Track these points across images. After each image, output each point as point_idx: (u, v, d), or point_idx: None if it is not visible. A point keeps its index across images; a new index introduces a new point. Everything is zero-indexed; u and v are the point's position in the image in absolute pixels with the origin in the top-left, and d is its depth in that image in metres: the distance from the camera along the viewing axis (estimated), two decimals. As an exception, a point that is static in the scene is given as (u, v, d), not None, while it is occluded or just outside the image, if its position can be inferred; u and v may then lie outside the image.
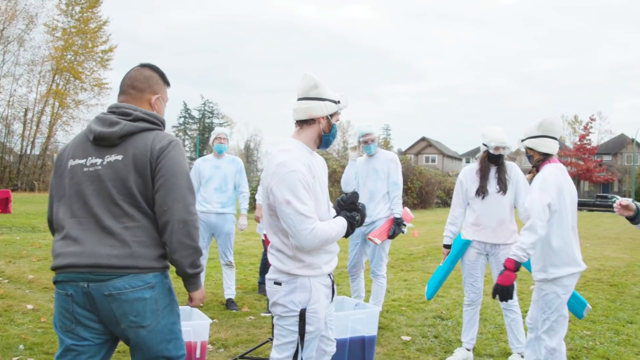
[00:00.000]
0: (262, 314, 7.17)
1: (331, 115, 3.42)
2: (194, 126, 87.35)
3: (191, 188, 2.96)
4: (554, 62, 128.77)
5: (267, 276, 3.40)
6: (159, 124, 3.06)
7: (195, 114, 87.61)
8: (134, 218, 2.90)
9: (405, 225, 6.52)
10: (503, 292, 4.25)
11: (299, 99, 3.41)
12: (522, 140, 4.57)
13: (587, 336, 6.36)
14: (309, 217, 3.13)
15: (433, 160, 75.89)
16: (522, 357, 5.42)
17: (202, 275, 7.50)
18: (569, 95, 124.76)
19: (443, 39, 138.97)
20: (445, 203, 37.59)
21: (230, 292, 7.64)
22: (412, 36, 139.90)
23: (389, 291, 8.61)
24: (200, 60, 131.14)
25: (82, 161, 2.98)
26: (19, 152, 50.30)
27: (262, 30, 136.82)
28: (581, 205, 55.91)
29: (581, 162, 63.59)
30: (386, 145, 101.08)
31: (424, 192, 35.72)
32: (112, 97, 44.48)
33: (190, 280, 3.05)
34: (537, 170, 4.46)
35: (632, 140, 60.59)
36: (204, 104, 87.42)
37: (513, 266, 4.17)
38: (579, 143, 65.44)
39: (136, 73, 3.16)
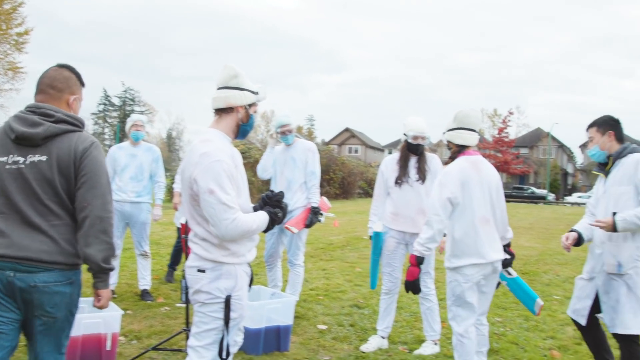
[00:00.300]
0: (177, 305, 7.06)
1: (249, 106, 3.47)
2: (114, 114, 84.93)
3: (110, 187, 3.12)
4: (475, 57, 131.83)
5: (188, 264, 3.39)
6: (79, 125, 3.15)
7: (116, 101, 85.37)
8: (60, 216, 3.05)
9: (322, 214, 6.53)
10: (411, 286, 4.42)
11: (219, 88, 3.45)
12: (444, 133, 4.66)
13: (498, 322, 6.53)
14: (231, 207, 3.17)
15: (356, 151, 76.55)
16: (436, 344, 5.53)
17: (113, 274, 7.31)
18: (489, 89, 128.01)
19: (368, 31, 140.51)
20: (367, 193, 37.92)
21: (145, 283, 7.47)
22: (338, 27, 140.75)
23: (307, 280, 8.62)
24: (121, 46, 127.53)
25: (4, 159, 3.06)
26: None
27: (186, 17, 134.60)
28: (499, 197, 57.49)
29: (500, 155, 65.34)
30: (310, 135, 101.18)
31: (346, 182, 35.87)
32: (27, 82, 42.57)
33: (101, 277, 3.11)
34: (453, 160, 4.57)
35: (548, 134, 62.77)
36: (125, 91, 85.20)
37: (415, 261, 4.37)
38: (497, 136, 67.26)
39: (55, 73, 3.21)
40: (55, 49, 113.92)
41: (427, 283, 5.52)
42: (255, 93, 3.49)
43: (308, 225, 6.38)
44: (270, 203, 3.55)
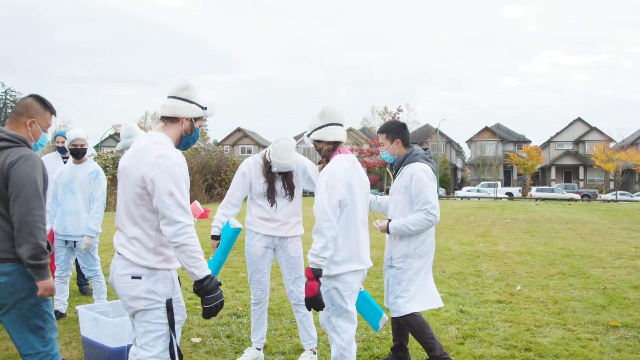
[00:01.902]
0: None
1: (195, 119, 3.55)
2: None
3: (37, 195, 3.50)
4: (365, 55, 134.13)
5: (120, 272, 3.32)
6: (18, 142, 3.59)
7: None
8: None
9: (193, 220, 6.10)
10: (312, 303, 3.94)
11: (168, 97, 3.51)
12: (309, 135, 4.30)
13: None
14: (187, 211, 3.22)
15: (249, 151, 75.91)
16: (315, 353, 5.24)
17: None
18: (379, 87, 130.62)
19: (258, 30, 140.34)
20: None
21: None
22: (226, 26, 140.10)
23: (185, 289, 8.15)
24: None
25: None
26: None
27: (67, 15, 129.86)
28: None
29: (390, 152, 66.32)
30: (203, 136, 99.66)
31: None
32: None
33: (35, 271, 3.51)
34: (327, 161, 4.22)
35: (436, 130, 64.40)
36: (6, 92, 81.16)
37: (312, 275, 3.89)
38: (388, 133, 68.29)
39: (20, 101, 3.82)
40: None
41: (302, 289, 5.19)
42: (204, 108, 3.57)
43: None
44: None
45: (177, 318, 3.36)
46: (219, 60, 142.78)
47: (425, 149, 5.02)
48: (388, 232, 4.81)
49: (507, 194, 58.23)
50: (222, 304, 3.33)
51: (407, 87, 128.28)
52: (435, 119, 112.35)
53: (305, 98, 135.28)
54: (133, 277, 3.29)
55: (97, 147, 63.23)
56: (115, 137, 72.16)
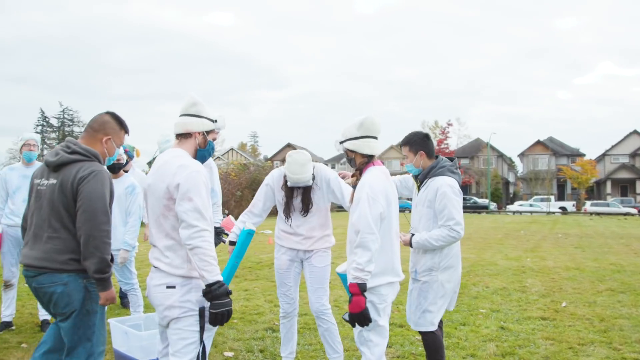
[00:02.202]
0: None
1: (207, 133, 3.70)
2: (53, 135, 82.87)
3: (104, 211, 3.65)
4: (414, 70, 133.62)
5: (155, 282, 3.48)
6: (90, 157, 3.76)
7: (54, 121, 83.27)
8: (56, 230, 3.68)
9: (227, 234, 6.10)
10: (358, 319, 3.82)
11: (180, 115, 3.68)
12: (341, 142, 4.20)
13: (417, 341, 6.15)
14: (204, 217, 3.33)
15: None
16: None
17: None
18: (430, 101, 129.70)
19: (307, 47, 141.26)
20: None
21: (44, 313, 6.88)
22: (276, 43, 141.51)
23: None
24: (57, 65, 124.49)
25: (38, 181, 3.84)
26: None
27: (123, 35, 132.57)
28: (442, 208, 57.92)
29: (440, 166, 65.72)
30: (254, 152, 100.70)
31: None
32: None
33: (98, 283, 3.66)
34: (361, 174, 4.12)
35: (487, 144, 63.60)
36: (63, 111, 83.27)
37: (357, 290, 3.76)
38: (437, 147, 67.78)
39: (97, 117, 3.95)
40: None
41: (323, 301, 5.11)
42: (214, 121, 3.74)
43: (210, 246, 5.93)
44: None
45: (207, 325, 3.48)
46: (269, 77, 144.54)
47: (451, 159, 4.87)
48: (411, 245, 4.74)
49: (560, 208, 56.99)
50: (229, 312, 3.39)
51: (458, 101, 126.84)
52: (486, 132, 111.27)
53: (354, 113, 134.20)
54: (168, 287, 3.42)
55: (150, 163, 64.32)
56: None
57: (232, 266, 4.82)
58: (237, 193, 33.60)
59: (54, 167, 3.74)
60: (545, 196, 60.26)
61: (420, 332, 4.80)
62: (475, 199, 60.44)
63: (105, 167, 3.94)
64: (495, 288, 9.61)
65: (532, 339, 6.34)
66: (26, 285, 5.39)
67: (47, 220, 3.71)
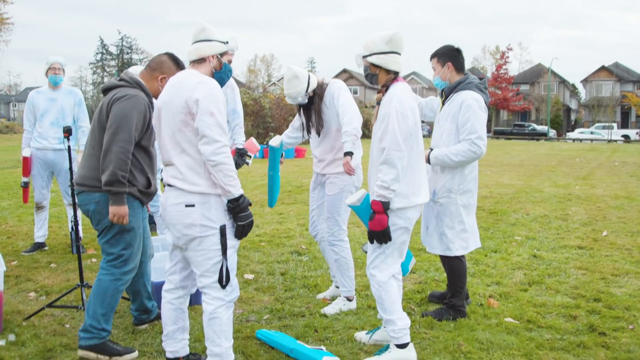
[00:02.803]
0: (23, 253, 6.82)
1: (221, 55, 3.64)
2: (112, 62, 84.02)
3: (127, 130, 3.79)
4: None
5: (173, 201, 3.41)
6: (133, 84, 3.99)
7: (113, 49, 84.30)
8: (94, 148, 3.94)
9: (250, 156, 5.98)
10: (379, 237, 3.75)
11: (192, 43, 3.63)
12: (365, 57, 3.98)
13: (441, 268, 6.01)
14: (225, 132, 3.32)
15: (355, 92, 75.25)
16: (350, 300, 4.97)
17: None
18: (492, 26, 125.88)
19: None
20: (363, 134, 37.36)
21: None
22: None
23: (256, 226, 8.17)
24: None
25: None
26: None
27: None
28: (499, 134, 57.10)
29: (499, 92, 64.21)
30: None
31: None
32: (15, 34, 42.40)
33: (110, 196, 3.80)
34: (387, 90, 3.91)
35: (548, 69, 61.54)
36: (122, 39, 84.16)
37: (380, 208, 3.69)
38: (496, 73, 65.92)
39: (156, 57, 4.15)
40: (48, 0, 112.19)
41: (333, 231, 4.90)
42: (225, 43, 3.66)
43: (233, 168, 5.84)
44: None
45: (230, 243, 3.43)
46: (326, 2, 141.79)
47: (481, 79, 4.65)
48: (429, 162, 4.58)
49: (623, 136, 55.09)
50: (252, 223, 3.47)
51: (521, 25, 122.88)
52: (548, 58, 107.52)
53: (414, 38, 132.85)
54: (187, 205, 3.36)
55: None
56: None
57: (270, 177, 5.09)
58: (290, 118, 33.49)
59: (103, 91, 4.06)
60: (608, 124, 58.33)
61: (445, 257, 4.73)
62: (534, 125, 58.94)
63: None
64: (536, 215, 9.34)
65: (564, 268, 6.12)
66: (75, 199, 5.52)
67: (90, 140, 4.02)
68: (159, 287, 4.79)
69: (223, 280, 3.42)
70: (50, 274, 5.91)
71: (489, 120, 66.32)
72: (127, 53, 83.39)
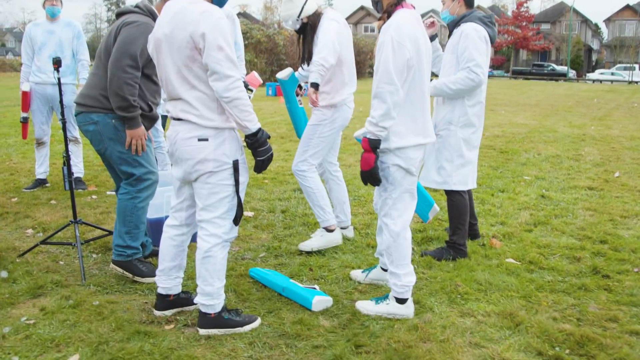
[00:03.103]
0: (107, 192, 6.59)
1: None
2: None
3: (133, 56, 3.78)
4: None
5: (185, 135, 3.24)
6: (146, 12, 3.99)
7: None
8: (97, 67, 3.96)
9: (251, 90, 5.80)
10: (368, 177, 3.49)
11: None
12: None
13: (444, 207, 5.87)
14: (237, 66, 3.14)
15: (372, 30, 74.10)
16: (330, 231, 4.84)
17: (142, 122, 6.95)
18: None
19: None
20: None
21: (77, 170, 6.92)
22: None
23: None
24: None
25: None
26: None
27: None
28: (517, 74, 56.26)
29: (519, 31, 62.92)
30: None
31: (356, 61, 34.95)
32: None
33: (124, 121, 3.90)
34: (389, 16, 3.55)
35: (570, 7, 60.06)
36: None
37: (368, 145, 3.40)
38: (516, 11, 64.47)
39: None
40: None
41: (297, 160, 4.76)
42: None
43: (233, 102, 5.67)
44: None
45: (241, 179, 3.32)
46: None
47: (487, 16, 4.51)
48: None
49: (644, 77, 54.07)
50: (272, 156, 3.38)
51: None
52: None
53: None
54: (200, 140, 3.21)
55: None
56: (239, 16, 72.46)
57: (289, 111, 5.06)
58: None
59: (117, 15, 4.04)
60: (630, 65, 57.14)
61: (445, 192, 4.67)
62: (554, 65, 57.95)
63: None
64: (547, 155, 9.14)
65: (572, 209, 5.97)
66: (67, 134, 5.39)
67: (95, 60, 4.01)
68: (154, 223, 4.72)
69: (238, 218, 3.34)
70: (50, 210, 5.85)
71: (508, 60, 65.32)
72: None
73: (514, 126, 12.78)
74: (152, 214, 4.71)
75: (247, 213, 5.70)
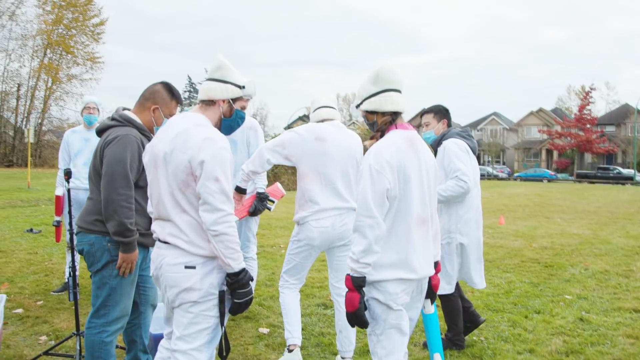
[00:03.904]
0: (52, 292, 6.77)
1: (234, 100, 3.32)
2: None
3: (123, 174, 3.65)
4: (560, 32, 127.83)
5: (171, 261, 3.10)
6: (124, 122, 3.84)
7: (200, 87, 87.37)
8: (92, 191, 3.85)
9: (272, 201, 5.73)
10: (352, 319, 3.16)
11: (205, 80, 3.38)
12: (358, 106, 3.46)
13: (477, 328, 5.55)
14: (230, 199, 3.04)
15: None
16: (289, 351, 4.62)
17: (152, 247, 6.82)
18: (576, 65, 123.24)
19: (447, 8, 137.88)
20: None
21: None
22: (416, 6, 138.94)
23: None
24: (204, 34, 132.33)
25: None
26: (13, 128, 49.52)
27: (266, 2, 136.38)
28: (582, 177, 55.22)
29: (582, 133, 62.25)
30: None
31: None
32: (105, 72, 44.73)
33: (120, 245, 3.72)
34: (381, 136, 3.34)
35: (635, 109, 59.23)
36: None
37: (351, 284, 3.11)
38: (578, 114, 64.02)
39: (150, 87, 3.94)
40: (139, 39, 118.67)
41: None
42: (241, 87, 3.33)
43: (252, 213, 5.58)
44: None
45: (226, 310, 3.16)
46: (410, 42, 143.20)
47: (463, 128, 5.10)
48: None
49: None
50: (251, 300, 3.17)
51: (608, 64, 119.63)
52: (636, 97, 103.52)
53: (496, 78, 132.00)
54: (187, 267, 3.06)
55: (287, 127, 65.39)
56: (304, 118, 74.13)
57: None
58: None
59: (98, 133, 3.94)
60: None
61: (439, 297, 4.89)
62: (620, 169, 56.74)
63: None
64: (595, 270, 8.67)
65: (611, 336, 5.54)
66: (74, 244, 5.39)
67: (89, 183, 3.89)
68: (157, 339, 4.58)
69: (224, 351, 3.18)
70: (69, 316, 5.81)
71: (572, 163, 64.34)
72: (181, 104, 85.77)
73: (566, 237, 12.32)
74: (155, 328, 4.59)
75: (262, 329, 5.50)
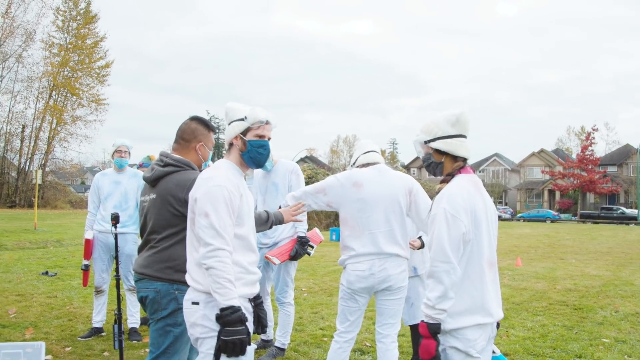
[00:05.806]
0: (79, 338, 6.53)
1: (244, 134, 3.40)
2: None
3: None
4: (558, 73, 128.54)
5: (186, 297, 3.26)
6: (183, 166, 3.78)
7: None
8: (159, 241, 3.72)
9: (312, 246, 5.67)
10: None
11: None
12: (428, 142, 3.38)
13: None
14: (221, 235, 3.07)
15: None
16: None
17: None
18: (574, 106, 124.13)
19: (445, 52, 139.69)
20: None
21: (133, 321, 6.78)
22: (415, 50, 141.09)
23: (322, 318, 7.76)
24: (204, 77, 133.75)
25: (142, 198, 3.93)
26: (17, 169, 49.51)
27: (265, 46, 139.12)
28: (586, 217, 55.15)
29: (584, 174, 62.40)
30: (392, 159, 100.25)
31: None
32: (110, 114, 45.01)
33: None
34: (451, 179, 3.29)
35: (637, 150, 59.45)
36: (210, 119, 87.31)
37: (427, 331, 3.01)
38: (581, 154, 64.27)
39: (185, 126, 3.92)
40: (142, 81, 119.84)
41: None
42: (243, 119, 3.43)
43: (293, 257, 5.54)
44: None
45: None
46: (408, 84, 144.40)
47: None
48: (423, 247, 5.10)
49: None
50: (243, 342, 3.01)
51: (607, 105, 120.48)
52: (636, 138, 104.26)
53: (495, 119, 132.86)
54: (192, 303, 3.19)
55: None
56: (306, 159, 74.43)
57: None
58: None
59: (152, 182, 3.81)
60: None
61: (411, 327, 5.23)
62: (623, 209, 56.72)
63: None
64: (626, 313, 8.54)
65: (660, 381, 5.43)
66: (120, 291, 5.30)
67: (150, 232, 3.80)
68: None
69: None
70: (107, 363, 5.67)
71: (575, 203, 64.36)
72: (216, 133, 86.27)
73: (587, 278, 12.19)
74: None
75: (304, 376, 5.37)
